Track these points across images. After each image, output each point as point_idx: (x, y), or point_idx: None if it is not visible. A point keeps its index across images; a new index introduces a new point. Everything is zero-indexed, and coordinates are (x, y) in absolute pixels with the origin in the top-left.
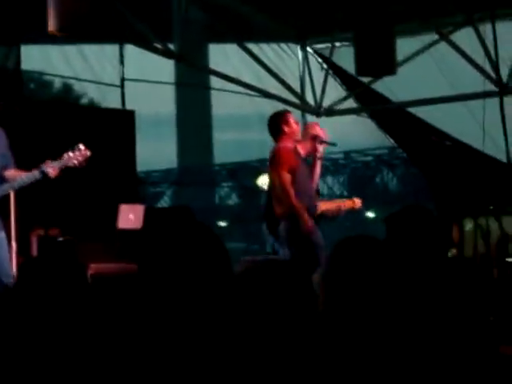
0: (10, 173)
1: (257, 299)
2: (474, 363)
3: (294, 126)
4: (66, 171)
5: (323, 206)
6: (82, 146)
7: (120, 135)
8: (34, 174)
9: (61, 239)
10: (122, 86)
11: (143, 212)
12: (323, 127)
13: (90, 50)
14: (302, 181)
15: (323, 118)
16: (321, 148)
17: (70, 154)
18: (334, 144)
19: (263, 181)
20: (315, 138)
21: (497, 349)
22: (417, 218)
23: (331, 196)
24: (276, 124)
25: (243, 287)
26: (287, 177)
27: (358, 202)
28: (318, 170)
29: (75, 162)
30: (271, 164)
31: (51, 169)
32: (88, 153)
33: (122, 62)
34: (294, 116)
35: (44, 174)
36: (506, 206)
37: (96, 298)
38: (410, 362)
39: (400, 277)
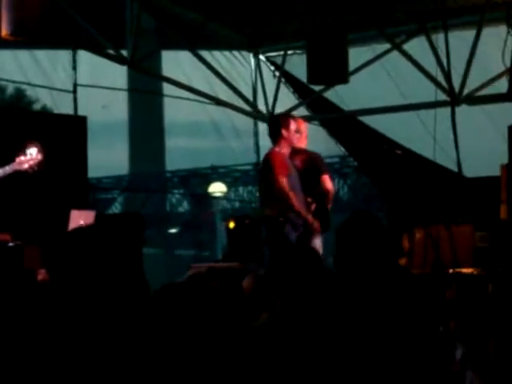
0: None
1: (196, 308)
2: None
3: (293, 132)
4: (18, 176)
5: None
6: (34, 151)
7: (72, 141)
8: None
9: (11, 245)
10: (74, 92)
11: (94, 218)
12: None
13: (43, 55)
14: (293, 188)
15: None
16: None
17: (22, 158)
18: None
19: (215, 188)
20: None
21: (445, 363)
22: (365, 225)
23: None
24: (276, 127)
25: (186, 293)
26: (285, 180)
27: None
28: None
29: (27, 166)
30: (266, 168)
31: None
32: (40, 157)
33: (74, 67)
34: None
35: None
36: (457, 216)
37: (44, 302)
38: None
39: (351, 288)
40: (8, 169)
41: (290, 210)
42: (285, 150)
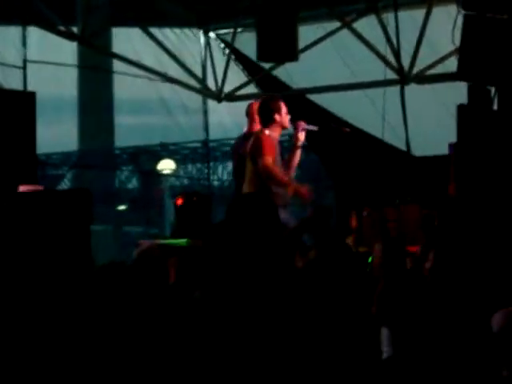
0: None
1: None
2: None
3: (285, 115)
4: None
5: None
6: None
7: (20, 117)
8: None
9: None
10: (24, 68)
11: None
12: (223, 112)
13: None
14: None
15: (224, 104)
16: (302, 136)
17: None
18: (315, 129)
19: (164, 165)
20: (297, 127)
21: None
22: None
23: (231, 181)
24: (268, 112)
25: (136, 269)
26: (271, 160)
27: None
28: (297, 158)
29: None
30: (255, 150)
31: None
32: None
33: (24, 43)
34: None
35: None
36: (405, 195)
37: None
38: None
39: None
40: None
41: (278, 186)
42: (275, 133)
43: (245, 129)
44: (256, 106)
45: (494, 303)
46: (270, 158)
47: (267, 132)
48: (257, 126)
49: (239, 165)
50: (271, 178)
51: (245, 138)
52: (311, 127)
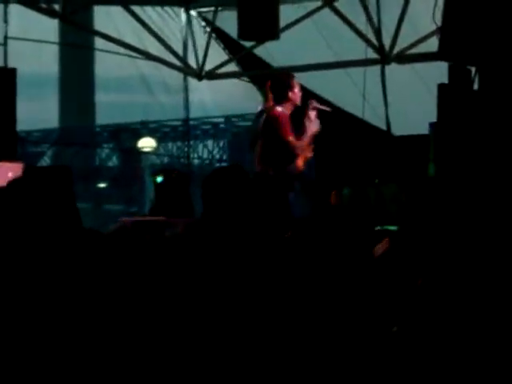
0: None
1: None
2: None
3: (297, 92)
4: None
5: None
6: None
7: (0, 93)
8: None
9: None
10: (5, 44)
11: (21, 170)
12: (204, 91)
13: None
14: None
15: (204, 82)
16: (313, 115)
17: None
18: (327, 109)
19: (144, 143)
20: (309, 105)
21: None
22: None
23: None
24: (281, 89)
25: (114, 246)
26: (293, 139)
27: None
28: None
29: None
30: (271, 127)
31: None
32: None
33: (5, 20)
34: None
35: None
36: (385, 174)
37: None
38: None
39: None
40: None
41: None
42: (288, 110)
43: (260, 106)
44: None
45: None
46: (292, 138)
47: (280, 109)
48: (270, 103)
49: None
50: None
51: (260, 114)
52: (323, 107)
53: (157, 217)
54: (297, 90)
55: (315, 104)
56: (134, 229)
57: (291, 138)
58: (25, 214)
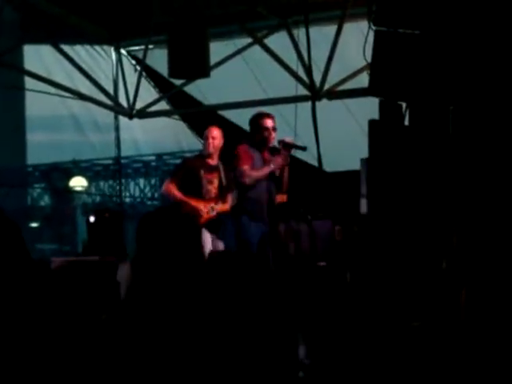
0: None
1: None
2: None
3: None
4: None
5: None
6: None
7: None
8: None
9: None
10: None
11: None
12: (135, 129)
13: None
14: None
15: (135, 121)
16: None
17: None
18: (303, 148)
19: (76, 182)
20: (287, 146)
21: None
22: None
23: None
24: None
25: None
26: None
27: (283, 197)
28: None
29: None
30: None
31: None
32: None
33: None
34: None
35: None
36: (317, 210)
37: None
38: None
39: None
40: None
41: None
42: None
43: None
44: None
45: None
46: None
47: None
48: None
49: None
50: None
51: None
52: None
53: (90, 256)
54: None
55: (287, 140)
56: (66, 269)
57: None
58: None
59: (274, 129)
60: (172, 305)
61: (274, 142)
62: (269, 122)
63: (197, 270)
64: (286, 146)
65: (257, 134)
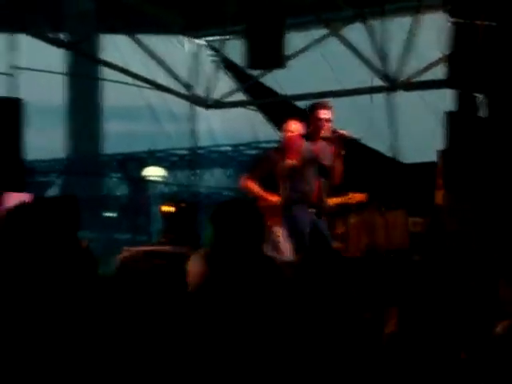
0: None
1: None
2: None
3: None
4: None
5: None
6: None
7: (5, 123)
8: None
9: None
10: (12, 75)
11: (30, 201)
12: (212, 119)
13: None
14: None
15: (211, 110)
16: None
17: None
18: (357, 139)
19: (152, 172)
20: (340, 137)
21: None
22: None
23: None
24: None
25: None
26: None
27: (362, 196)
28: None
29: None
30: None
31: None
32: None
33: (13, 50)
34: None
35: None
36: (391, 201)
37: None
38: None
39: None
40: None
41: None
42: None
43: None
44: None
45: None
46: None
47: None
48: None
49: None
50: None
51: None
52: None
53: (164, 246)
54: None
55: (340, 131)
56: (138, 258)
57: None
58: (30, 243)
59: (329, 120)
60: (241, 298)
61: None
62: (322, 113)
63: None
64: (339, 137)
65: (311, 124)
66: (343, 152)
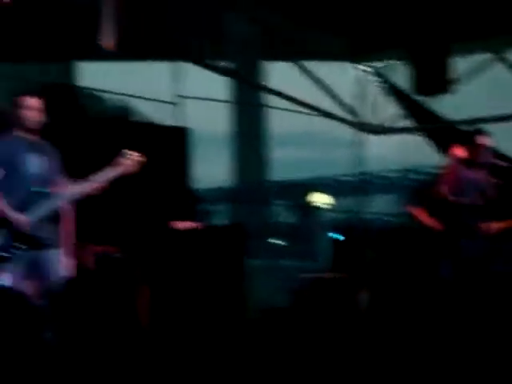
0: (60, 188)
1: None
2: None
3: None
4: (120, 188)
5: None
6: (132, 152)
7: (173, 152)
8: (82, 187)
9: (117, 256)
10: (176, 103)
11: (199, 229)
12: (377, 145)
13: (145, 66)
14: None
15: (376, 136)
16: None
17: (122, 160)
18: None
19: (318, 199)
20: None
21: None
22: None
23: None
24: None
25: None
26: None
27: None
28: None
29: (129, 168)
30: None
31: (98, 182)
32: (140, 158)
33: (176, 79)
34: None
35: (91, 188)
36: None
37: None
38: None
39: None
40: (112, 171)
41: None
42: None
43: None
44: None
45: None
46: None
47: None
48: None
49: None
50: None
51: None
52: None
53: (337, 273)
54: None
55: (496, 160)
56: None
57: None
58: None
59: (487, 147)
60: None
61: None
62: (482, 140)
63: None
64: (495, 166)
65: (470, 151)
66: (499, 181)
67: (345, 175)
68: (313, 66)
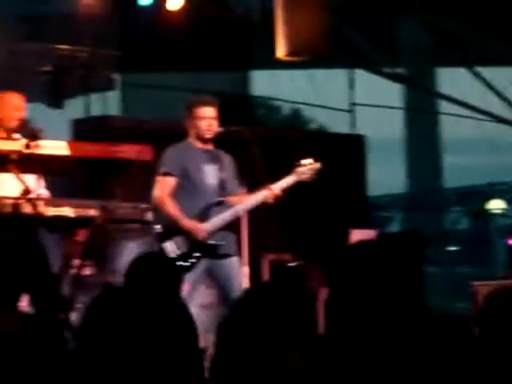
0: (237, 198)
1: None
2: None
3: None
4: (296, 196)
5: None
6: (310, 160)
7: (349, 160)
8: (257, 197)
9: (292, 264)
10: (351, 111)
11: (374, 237)
12: None
13: (319, 74)
14: None
15: None
16: None
17: (301, 168)
18: None
19: (494, 205)
20: None
21: None
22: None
23: None
24: None
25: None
26: None
27: None
28: None
29: (307, 176)
30: None
31: (274, 191)
32: (318, 165)
33: (351, 86)
34: None
35: (268, 197)
36: None
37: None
38: None
39: None
40: (290, 180)
41: None
42: None
43: None
44: None
45: None
46: None
47: None
48: None
49: None
50: None
51: None
52: None
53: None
54: None
55: None
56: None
57: None
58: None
59: None
60: None
61: None
62: None
63: None
64: None
65: None
66: None
67: None
68: (486, 71)
